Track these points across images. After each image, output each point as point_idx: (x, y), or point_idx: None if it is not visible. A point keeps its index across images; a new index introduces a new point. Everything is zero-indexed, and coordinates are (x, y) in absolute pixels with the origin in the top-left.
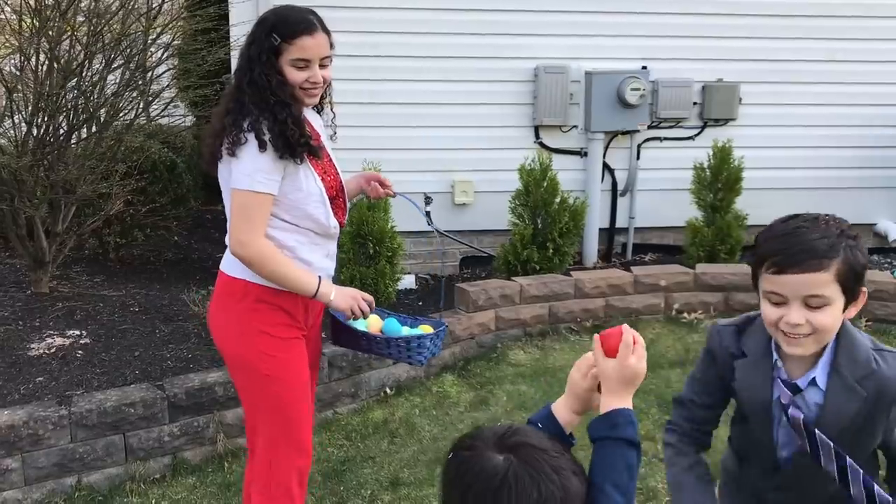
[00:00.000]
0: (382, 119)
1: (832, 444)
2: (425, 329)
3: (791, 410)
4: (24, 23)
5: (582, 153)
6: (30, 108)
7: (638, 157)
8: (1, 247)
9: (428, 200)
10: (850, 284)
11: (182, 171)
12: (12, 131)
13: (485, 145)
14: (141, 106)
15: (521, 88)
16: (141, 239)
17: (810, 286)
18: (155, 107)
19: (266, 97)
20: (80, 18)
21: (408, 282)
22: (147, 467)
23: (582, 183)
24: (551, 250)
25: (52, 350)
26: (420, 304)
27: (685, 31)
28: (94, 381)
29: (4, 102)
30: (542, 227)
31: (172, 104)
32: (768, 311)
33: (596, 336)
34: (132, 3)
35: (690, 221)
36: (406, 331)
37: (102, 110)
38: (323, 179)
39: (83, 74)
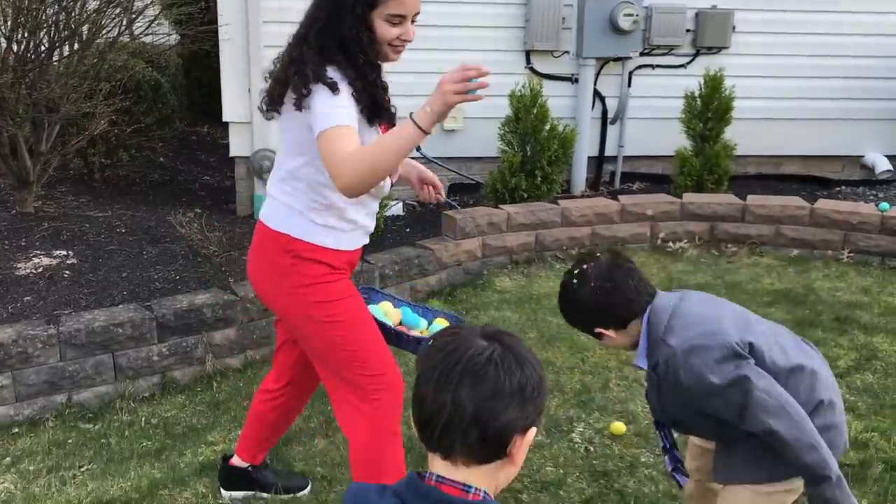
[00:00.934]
0: None
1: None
2: (441, 323)
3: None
4: None
5: (573, 79)
6: (9, 24)
7: (629, 85)
8: None
9: None
10: None
11: (167, 90)
12: None
13: None
14: (124, 23)
15: (513, 11)
16: (126, 159)
17: None
18: (139, 24)
19: (355, 55)
20: None
21: (395, 209)
22: (136, 386)
23: (572, 110)
24: (539, 178)
25: (39, 270)
26: (407, 230)
27: None
28: (81, 301)
29: None
30: (531, 155)
31: (157, 22)
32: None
33: None
34: None
35: (679, 151)
36: (422, 324)
37: (84, 27)
38: None
39: None
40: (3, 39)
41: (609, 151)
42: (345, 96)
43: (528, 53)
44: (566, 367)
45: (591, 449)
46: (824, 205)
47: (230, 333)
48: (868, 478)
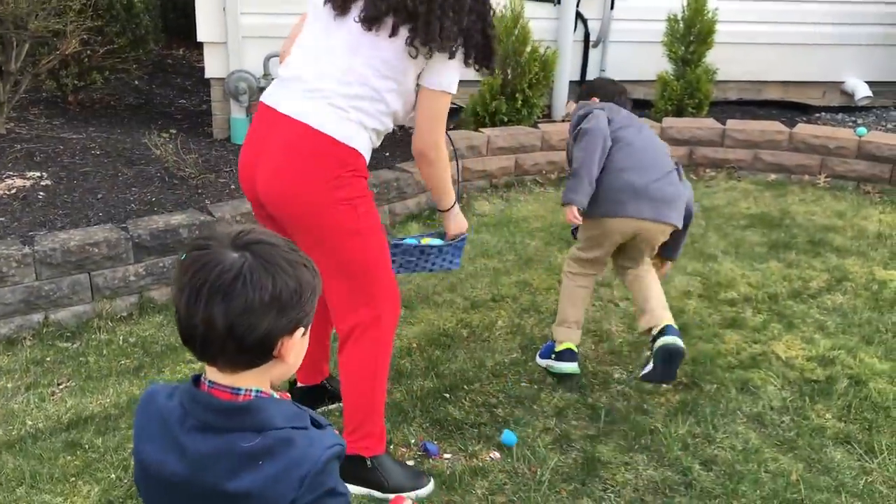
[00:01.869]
0: None
1: None
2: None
3: None
4: None
5: (556, 1)
6: None
7: (612, 7)
8: None
9: None
10: None
11: (140, 11)
12: None
13: None
14: None
15: None
16: (100, 82)
17: None
18: None
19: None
20: None
21: None
22: (114, 305)
23: (554, 32)
24: (520, 102)
25: (13, 191)
26: (386, 154)
27: None
28: (57, 222)
29: None
30: (512, 78)
31: None
32: None
33: None
34: None
35: (661, 75)
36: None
37: None
38: None
39: None
40: None
41: (591, 75)
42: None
43: None
44: (542, 288)
45: None
46: (802, 130)
47: None
48: (834, 392)
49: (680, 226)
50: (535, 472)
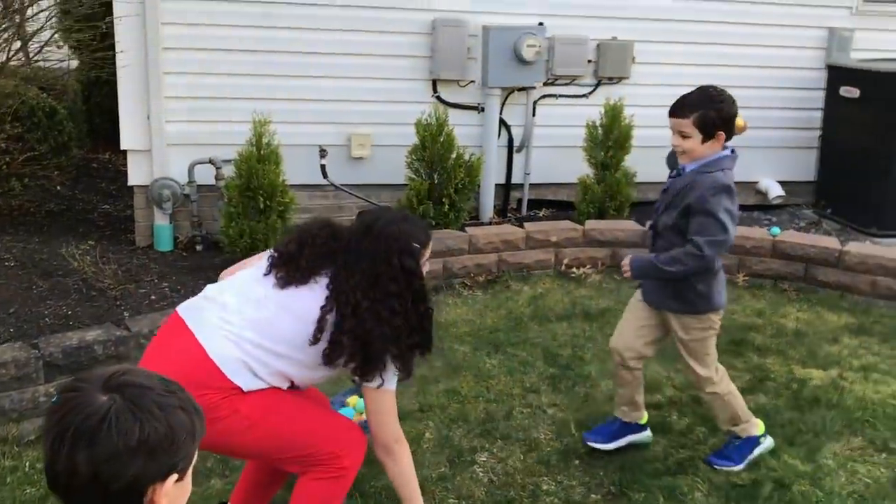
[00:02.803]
0: (273, 68)
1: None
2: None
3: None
4: None
5: (479, 109)
6: None
7: (534, 114)
8: None
9: (323, 153)
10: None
11: (63, 117)
12: None
13: (382, 98)
14: (14, 47)
15: (419, 41)
16: (19, 189)
17: (675, 126)
18: (32, 47)
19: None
20: None
21: None
22: (21, 429)
23: (479, 138)
24: (447, 206)
25: None
26: None
27: None
28: None
29: None
30: (439, 183)
31: (51, 46)
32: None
33: None
34: None
35: (582, 178)
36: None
37: None
38: None
39: None
40: None
41: (516, 179)
42: None
43: (434, 83)
44: (471, 396)
45: (494, 479)
46: None
47: None
48: (759, 497)
49: None
50: None
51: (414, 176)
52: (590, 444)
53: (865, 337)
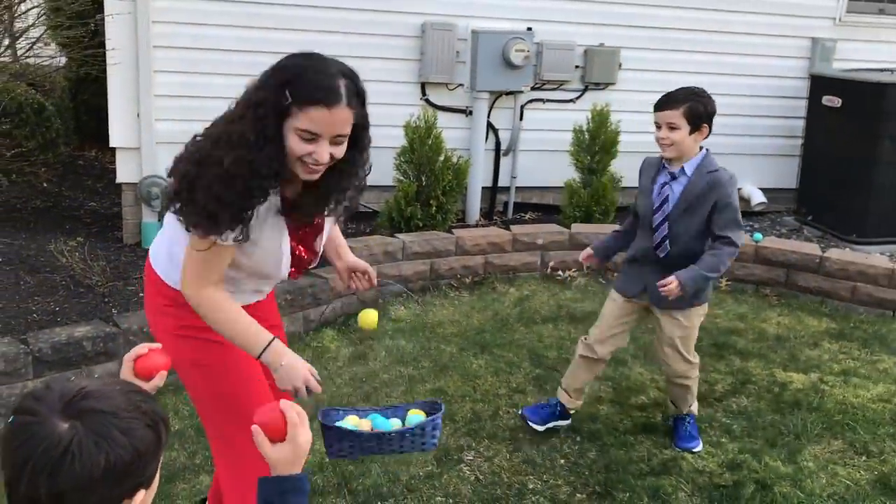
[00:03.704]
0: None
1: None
2: (417, 414)
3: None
4: None
5: (467, 112)
6: None
7: (521, 118)
8: None
9: None
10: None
11: (51, 114)
12: None
13: (371, 100)
14: (5, 44)
15: (409, 44)
16: (6, 185)
17: (664, 118)
18: (22, 44)
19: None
20: None
21: None
22: None
23: (466, 141)
24: (434, 208)
25: None
26: None
27: None
28: None
29: None
30: (426, 185)
31: (39, 44)
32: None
33: (255, 425)
34: None
35: (568, 183)
36: (394, 424)
37: None
38: (294, 249)
39: None
40: None
41: (503, 182)
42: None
43: (423, 85)
44: (458, 396)
45: (481, 477)
46: None
47: (112, 367)
48: (741, 498)
49: None
50: None
51: (402, 178)
52: (528, 422)
53: (845, 342)
